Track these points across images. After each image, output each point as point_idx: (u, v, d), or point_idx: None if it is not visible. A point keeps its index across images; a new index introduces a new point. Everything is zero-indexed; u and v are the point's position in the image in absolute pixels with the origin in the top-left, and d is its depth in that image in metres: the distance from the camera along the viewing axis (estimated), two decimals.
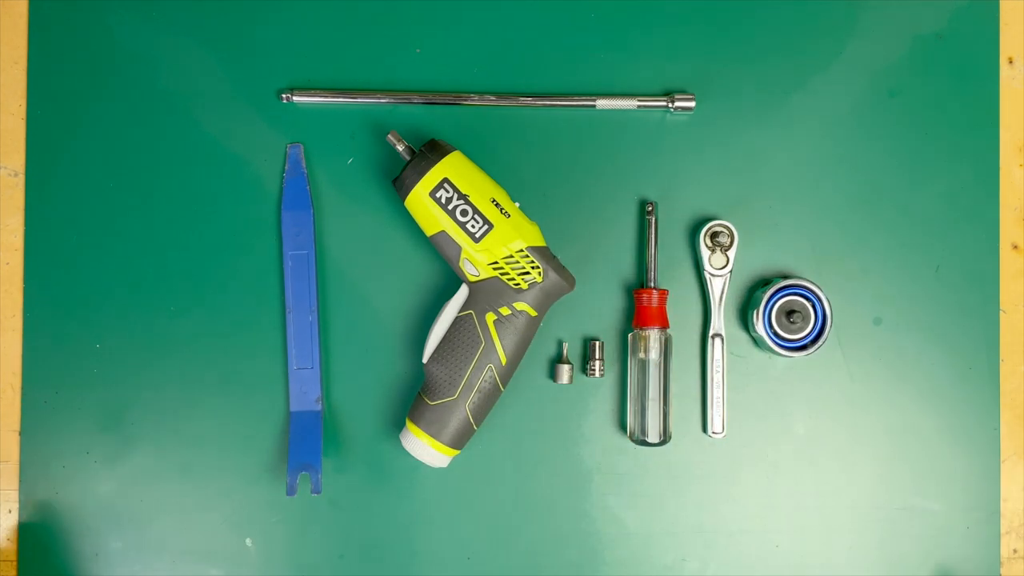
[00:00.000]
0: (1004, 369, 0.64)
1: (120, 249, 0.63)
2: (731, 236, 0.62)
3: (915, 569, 0.63)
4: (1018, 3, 0.66)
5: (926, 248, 0.64)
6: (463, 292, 0.60)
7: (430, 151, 0.58)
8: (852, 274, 0.64)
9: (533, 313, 0.59)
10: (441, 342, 0.59)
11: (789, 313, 0.61)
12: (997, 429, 0.64)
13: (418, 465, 0.62)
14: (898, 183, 0.64)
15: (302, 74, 0.63)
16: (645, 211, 0.63)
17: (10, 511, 0.62)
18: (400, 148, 0.59)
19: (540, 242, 0.59)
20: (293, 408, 0.62)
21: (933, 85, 0.65)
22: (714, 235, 0.62)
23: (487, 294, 0.58)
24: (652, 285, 0.62)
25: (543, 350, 0.63)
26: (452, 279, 0.62)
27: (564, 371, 0.62)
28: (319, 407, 0.62)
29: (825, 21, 0.64)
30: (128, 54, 0.63)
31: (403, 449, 0.61)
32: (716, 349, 0.63)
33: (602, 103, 0.63)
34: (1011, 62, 0.65)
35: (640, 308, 0.62)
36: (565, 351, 0.63)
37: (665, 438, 0.61)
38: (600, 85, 0.64)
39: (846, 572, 0.63)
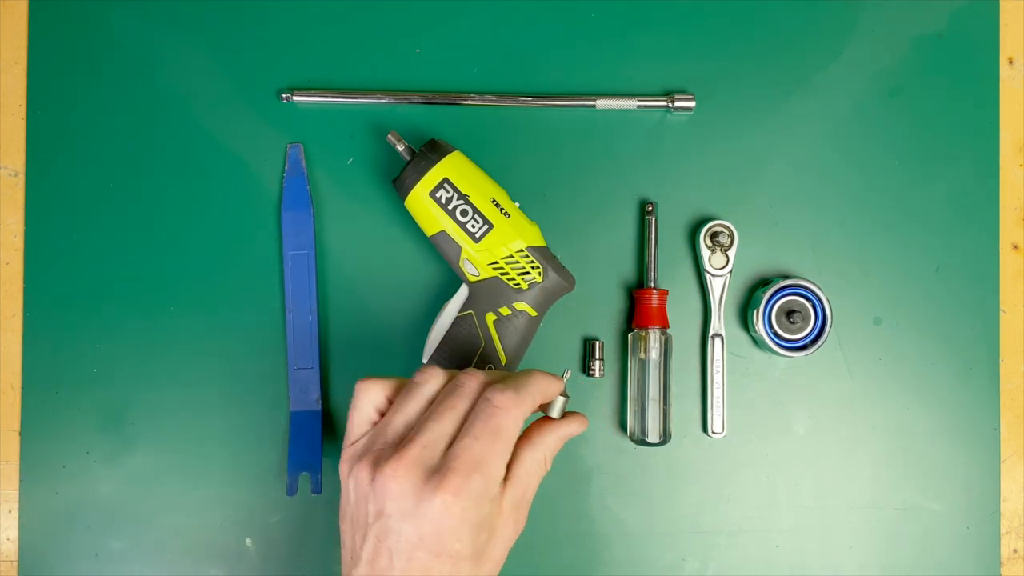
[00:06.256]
0: (1004, 369, 0.64)
1: (120, 249, 0.63)
2: (731, 236, 0.62)
3: (915, 569, 0.63)
4: (1018, 3, 0.66)
5: (926, 248, 0.64)
6: (463, 292, 0.60)
7: (430, 151, 0.58)
8: (852, 274, 0.64)
9: (533, 313, 0.59)
10: (441, 342, 0.59)
11: (789, 313, 0.61)
12: (997, 429, 0.64)
13: None
14: (898, 183, 0.64)
15: (302, 74, 0.63)
16: (645, 211, 0.63)
17: (10, 511, 0.62)
18: (400, 148, 0.59)
19: (540, 242, 0.59)
20: (293, 408, 0.62)
21: (933, 85, 0.65)
22: (714, 235, 0.62)
23: (487, 294, 0.58)
24: (652, 285, 0.62)
25: (543, 350, 0.63)
26: (452, 279, 0.62)
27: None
28: (319, 407, 0.62)
29: (825, 21, 0.64)
30: (128, 54, 0.63)
31: None
32: (716, 349, 0.63)
33: (602, 103, 0.63)
34: (1011, 62, 0.65)
35: (640, 308, 0.62)
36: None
37: (665, 438, 0.61)
38: (600, 85, 0.64)
39: (846, 572, 0.63)
